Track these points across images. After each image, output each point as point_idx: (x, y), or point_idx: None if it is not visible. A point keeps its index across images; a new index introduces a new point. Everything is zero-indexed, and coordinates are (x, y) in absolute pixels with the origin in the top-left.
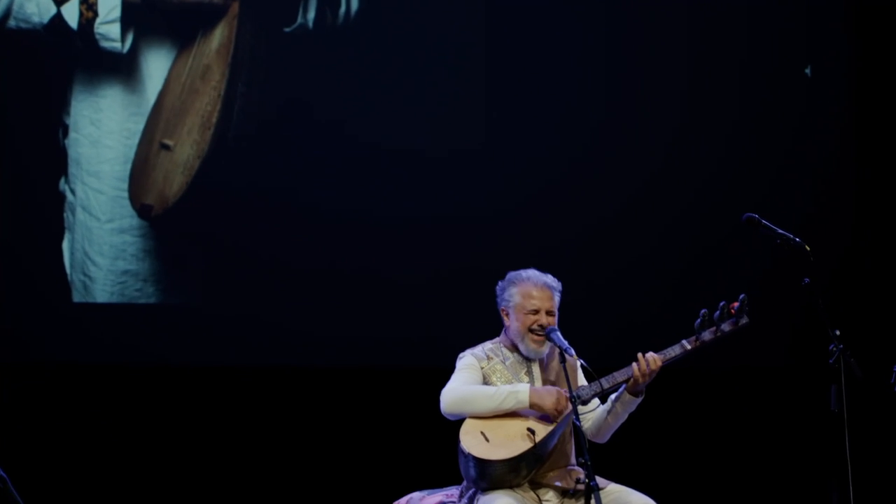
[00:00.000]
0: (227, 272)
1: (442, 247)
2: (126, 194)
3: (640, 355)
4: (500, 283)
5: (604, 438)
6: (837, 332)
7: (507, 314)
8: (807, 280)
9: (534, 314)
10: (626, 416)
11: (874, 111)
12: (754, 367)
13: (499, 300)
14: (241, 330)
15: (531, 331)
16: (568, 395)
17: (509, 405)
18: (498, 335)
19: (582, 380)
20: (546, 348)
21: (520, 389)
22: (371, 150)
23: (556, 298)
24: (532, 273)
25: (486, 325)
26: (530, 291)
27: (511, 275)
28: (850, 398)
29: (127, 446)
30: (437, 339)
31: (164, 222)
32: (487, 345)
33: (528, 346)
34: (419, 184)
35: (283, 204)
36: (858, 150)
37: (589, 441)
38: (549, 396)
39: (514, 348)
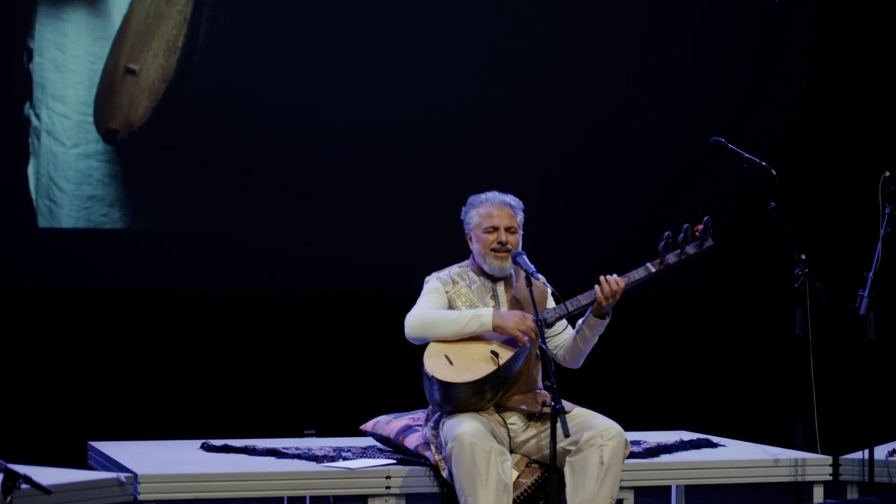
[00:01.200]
0: (194, 197)
1: (410, 173)
2: (91, 119)
3: (602, 278)
4: (462, 208)
5: (577, 363)
6: (803, 257)
7: (470, 238)
8: (773, 204)
9: (493, 231)
10: (595, 339)
11: (843, 35)
12: (726, 294)
13: (464, 226)
14: (208, 255)
15: (492, 250)
16: (532, 317)
17: (472, 329)
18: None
19: (551, 303)
20: (509, 265)
21: (483, 313)
22: (338, 66)
23: (518, 216)
24: (490, 194)
25: (455, 250)
26: (489, 211)
27: (471, 198)
28: (815, 322)
29: (93, 371)
30: (404, 264)
31: (129, 147)
32: (454, 268)
33: (491, 264)
34: (386, 105)
35: (249, 128)
36: (826, 74)
37: (560, 366)
38: (512, 319)
39: (481, 272)
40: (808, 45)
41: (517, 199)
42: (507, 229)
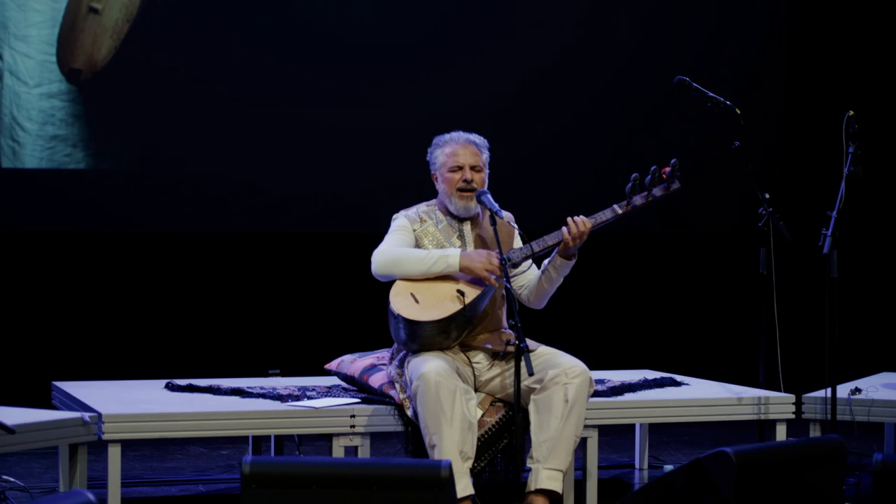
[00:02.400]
0: (157, 137)
1: (375, 112)
2: (54, 59)
3: (569, 219)
4: (428, 149)
5: (541, 304)
6: (767, 196)
7: (436, 177)
8: (737, 144)
9: (458, 170)
10: (560, 281)
11: None
12: (689, 233)
13: (429, 167)
14: (171, 195)
15: (458, 189)
16: (497, 256)
17: (439, 269)
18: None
19: (518, 243)
20: (475, 205)
21: (450, 254)
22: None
23: (484, 155)
24: (455, 133)
25: (421, 189)
26: (454, 150)
27: (436, 138)
28: (778, 261)
29: (57, 312)
30: (369, 203)
31: (93, 87)
32: (422, 206)
33: (456, 203)
34: (354, 42)
35: (213, 67)
36: (790, 13)
37: (525, 306)
38: (479, 258)
39: (448, 211)
40: None
41: (482, 138)
42: (473, 167)
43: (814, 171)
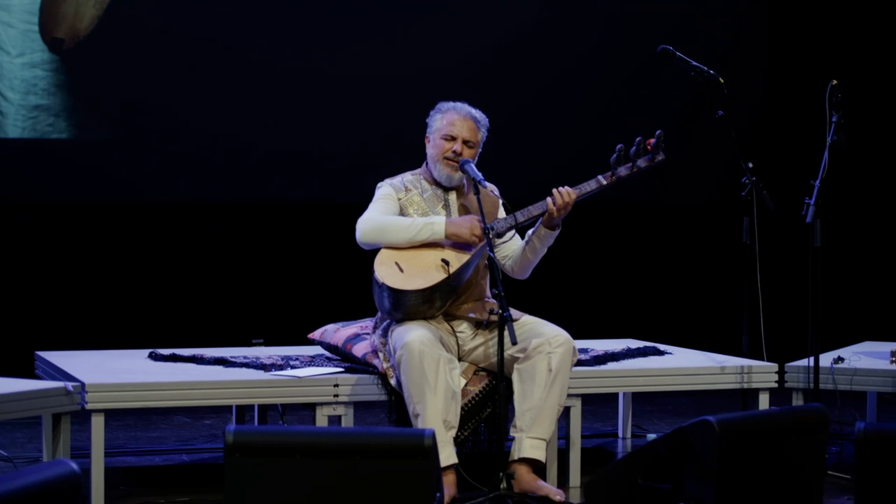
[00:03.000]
0: (140, 106)
1: (361, 83)
2: (37, 28)
3: (555, 190)
4: (430, 111)
5: (524, 274)
6: (750, 165)
7: (429, 140)
8: (720, 113)
9: (450, 140)
10: (544, 251)
11: None
12: (674, 203)
13: (427, 129)
14: (154, 165)
15: (445, 157)
16: (480, 223)
17: (424, 237)
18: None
19: (502, 214)
20: (459, 175)
21: (435, 221)
22: None
23: (481, 133)
24: (460, 104)
25: (405, 159)
26: (452, 119)
27: (441, 103)
28: (762, 230)
29: (41, 282)
30: (355, 172)
31: (75, 56)
32: (407, 175)
33: (441, 170)
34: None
35: (198, 35)
36: None
37: (509, 276)
38: (465, 224)
39: (433, 180)
40: None
41: (485, 117)
42: (466, 142)
43: (797, 141)
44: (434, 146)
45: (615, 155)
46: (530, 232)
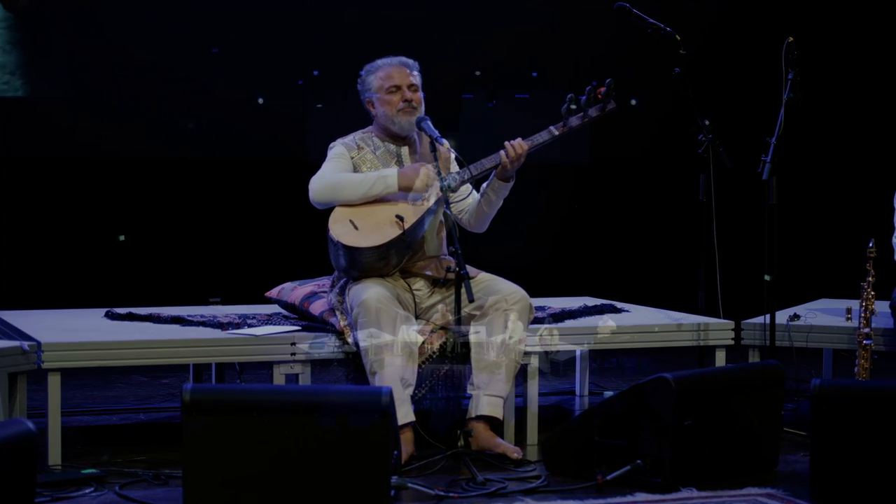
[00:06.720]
0: (95, 64)
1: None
2: None
3: (507, 142)
4: (358, 79)
5: (482, 227)
6: (707, 122)
7: (373, 104)
8: (677, 70)
9: (396, 91)
10: (500, 203)
11: None
12: (627, 158)
13: (361, 96)
14: (109, 122)
15: (400, 109)
16: (434, 172)
17: (378, 190)
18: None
19: (455, 168)
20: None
21: (388, 174)
22: None
23: (417, 75)
24: (385, 59)
25: (348, 117)
26: (388, 73)
27: (366, 66)
28: (718, 188)
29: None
30: (306, 131)
31: (30, 13)
32: (358, 134)
33: (401, 121)
34: None
35: None
36: None
37: (465, 232)
38: (416, 173)
39: (385, 137)
40: None
41: (413, 59)
42: (409, 87)
43: (752, 97)
44: (382, 103)
45: (566, 105)
46: (485, 185)
